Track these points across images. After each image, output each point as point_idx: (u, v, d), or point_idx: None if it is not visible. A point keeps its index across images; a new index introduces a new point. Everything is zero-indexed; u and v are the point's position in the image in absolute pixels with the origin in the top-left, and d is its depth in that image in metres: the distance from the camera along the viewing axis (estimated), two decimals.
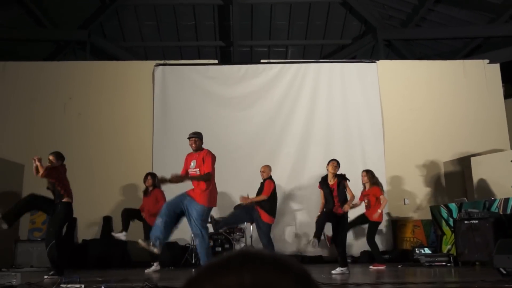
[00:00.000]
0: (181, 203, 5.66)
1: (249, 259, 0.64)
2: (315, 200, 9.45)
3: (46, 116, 9.92)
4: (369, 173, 7.72)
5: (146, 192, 7.76)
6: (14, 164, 9.24)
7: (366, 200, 7.57)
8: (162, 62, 10.39)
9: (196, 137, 5.95)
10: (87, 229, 9.20)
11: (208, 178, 5.72)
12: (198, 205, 5.64)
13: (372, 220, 7.45)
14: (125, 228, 7.37)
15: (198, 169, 5.81)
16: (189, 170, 5.91)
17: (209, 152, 5.88)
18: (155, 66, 10.20)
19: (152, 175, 7.80)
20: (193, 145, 5.91)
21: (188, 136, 6.01)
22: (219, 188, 8.72)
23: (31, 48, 12.18)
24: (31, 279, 5.16)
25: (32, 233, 9.13)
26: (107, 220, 9.20)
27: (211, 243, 8.13)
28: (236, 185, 8.66)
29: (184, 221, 5.78)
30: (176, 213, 5.66)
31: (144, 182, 7.80)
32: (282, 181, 9.49)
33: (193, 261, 8.15)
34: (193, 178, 5.78)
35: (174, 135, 9.65)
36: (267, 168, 7.19)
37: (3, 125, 9.82)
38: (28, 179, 9.44)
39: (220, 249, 8.27)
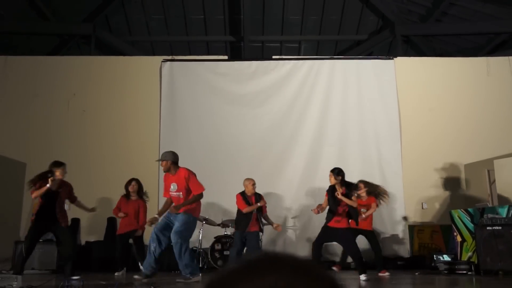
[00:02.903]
0: (169, 222, 5.83)
1: (280, 263, 0.63)
2: None
3: (49, 113, 9.71)
4: (366, 184, 7.65)
5: (127, 197, 7.54)
6: (16, 162, 9.08)
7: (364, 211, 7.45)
8: (169, 57, 10.19)
9: (163, 160, 5.93)
10: (90, 230, 9.03)
11: (199, 198, 5.82)
12: (183, 215, 5.74)
13: (371, 229, 7.47)
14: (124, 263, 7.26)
15: (180, 193, 5.84)
16: (171, 194, 5.92)
17: (188, 171, 5.86)
18: (162, 61, 9.98)
19: (138, 181, 7.60)
20: (163, 167, 5.93)
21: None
22: (228, 189, 8.50)
23: (33, 42, 12.05)
24: (32, 282, 5.16)
25: None
26: (112, 221, 8.93)
27: (219, 246, 7.90)
28: None
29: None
30: (167, 236, 5.80)
31: (127, 187, 7.55)
32: (294, 182, 9.43)
33: (200, 265, 7.86)
34: (183, 205, 5.75)
35: (181, 133, 9.55)
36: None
37: (4, 122, 9.62)
38: (30, 177, 9.19)
39: (228, 252, 7.95)
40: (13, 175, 9.02)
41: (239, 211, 6.95)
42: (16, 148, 9.28)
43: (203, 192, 5.90)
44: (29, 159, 9.27)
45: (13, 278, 4.88)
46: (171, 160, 5.87)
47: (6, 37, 11.62)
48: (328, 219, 6.41)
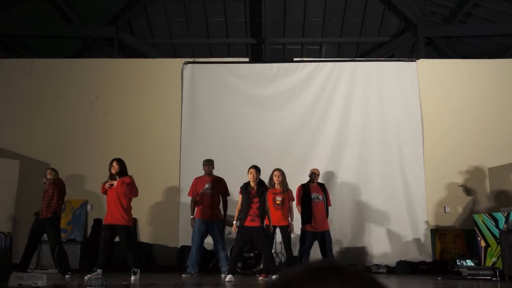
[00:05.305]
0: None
1: (347, 272, 0.64)
2: (349, 206, 9.17)
3: (72, 114, 9.81)
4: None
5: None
6: (40, 162, 9.18)
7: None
8: (191, 59, 10.18)
9: (211, 165, 7.78)
10: None
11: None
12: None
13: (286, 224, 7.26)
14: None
15: (214, 190, 7.54)
16: (204, 191, 7.56)
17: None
18: (184, 64, 9.99)
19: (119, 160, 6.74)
20: (207, 171, 7.68)
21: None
22: None
23: (58, 45, 12.21)
24: (56, 281, 5.33)
25: None
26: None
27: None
28: None
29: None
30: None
31: (110, 169, 6.71)
32: None
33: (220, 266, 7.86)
34: None
35: (202, 135, 9.53)
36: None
37: (29, 124, 9.74)
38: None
39: (248, 254, 7.90)
40: (37, 175, 9.12)
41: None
42: (40, 149, 9.39)
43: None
44: (53, 160, 9.39)
45: (38, 276, 4.93)
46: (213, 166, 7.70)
47: (32, 40, 11.81)
48: (243, 219, 6.28)
